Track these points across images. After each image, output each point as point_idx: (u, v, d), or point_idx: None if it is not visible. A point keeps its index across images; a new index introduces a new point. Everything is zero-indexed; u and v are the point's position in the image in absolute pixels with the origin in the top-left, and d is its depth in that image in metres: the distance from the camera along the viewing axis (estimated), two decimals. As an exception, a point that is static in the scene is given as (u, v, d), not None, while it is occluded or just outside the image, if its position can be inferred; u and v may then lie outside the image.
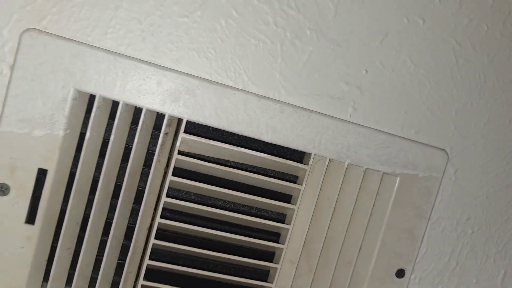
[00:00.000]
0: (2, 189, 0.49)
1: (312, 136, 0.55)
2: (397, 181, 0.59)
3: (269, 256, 0.59)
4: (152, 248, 0.54)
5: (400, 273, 0.61)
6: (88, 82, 0.49)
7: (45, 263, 0.53)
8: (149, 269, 0.56)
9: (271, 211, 0.59)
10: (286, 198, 0.58)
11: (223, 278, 0.56)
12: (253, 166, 0.57)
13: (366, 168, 0.58)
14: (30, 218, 0.50)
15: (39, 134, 0.49)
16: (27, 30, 0.47)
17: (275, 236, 0.59)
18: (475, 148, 0.61)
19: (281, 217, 0.59)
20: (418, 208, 0.60)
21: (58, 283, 0.52)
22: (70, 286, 0.52)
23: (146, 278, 0.54)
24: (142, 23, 0.50)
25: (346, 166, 0.57)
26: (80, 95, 0.49)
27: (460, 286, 0.64)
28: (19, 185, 0.49)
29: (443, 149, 0.60)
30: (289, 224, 0.56)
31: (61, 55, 0.48)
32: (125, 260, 0.53)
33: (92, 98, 0.50)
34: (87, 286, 0.54)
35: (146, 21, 0.50)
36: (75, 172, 0.50)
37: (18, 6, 0.47)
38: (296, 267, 0.57)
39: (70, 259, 0.53)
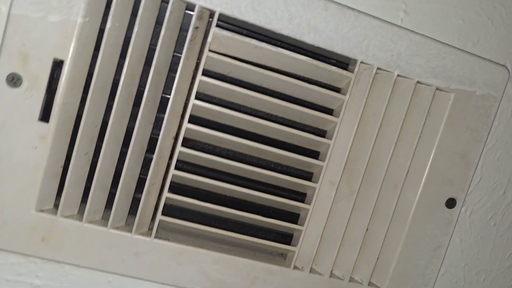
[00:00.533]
0: (14, 80, 0.44)
1: (358, 40, 0.49)
2: (452, 98, 0.52)
3: (307, 176, 0.53)
4: (178, 157, 0.48)
5: (451, 203, 0.54)
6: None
7: (60, 170, 0.48)
8: (174, 185, 0.51)
9: (310, 126, 0.52)
10: (328, 111, 0.52)
11: (257, 196, 0.50)
12: (292, 73, 0.51)
13: (417, 81, 0.51)
14: (45, 115, 0.45)
15: (55, 19, 0.44)
16: None
17: (314, 155, 0.53)
18: (540, 66, 0.54)
19: (321, 133, 0.53)
20: (474, 131, 0.53)
21: (74, 193, 0.47)
22: (87, 199, 0.47)
23: (171, 191, 0.49)
24: None
25: (395, 77, 0.50)
26: (101, -23, 0.44)
27: (516, 223, 0.57)
28: (32, 76, 0.44)
29: (503, 65, 0.53)
30: (330, 139, 0.50)
31: None
32: (147, 175, 0.48)
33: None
34: (105, 201, 0.49)
35: None
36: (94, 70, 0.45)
37: None
38: (337, 189, 0.51)
39: (88, 167, 0.48)
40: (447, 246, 0.55)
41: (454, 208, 0.54)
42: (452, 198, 0.54)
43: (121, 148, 0.49)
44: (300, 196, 0.54)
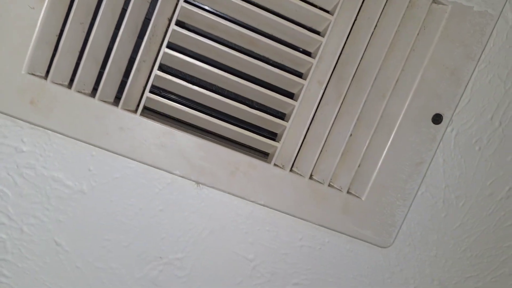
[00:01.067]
0: None
1: None
2: (448, 10, 0.52)
3: (297, 74, 0.54)
4: (170, 40, 0.49)
5: (437, 119, 0.54)
6: None
7: (55, 38, 0.49)
8: (165, 68, 0.51)
9: (305, 26, 0.53)
10: (325, 11, 0.52)
11: (247, 87, 0.51)
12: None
13: (415, -11, 0.51)
14: (44, -25, 0.46)
15: None
16: None
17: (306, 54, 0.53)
18: (540, -8, 0.54)
19: (315, 32, 0.53)
20: (467, 47, 0.54)
21: (66, 62, 0.48)
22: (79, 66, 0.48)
23: (161, 69, 0.49)
24: None
25: (393, -19, 0.50)
26: None
27: (500, 149, 0.57)
28: None
29: (504, -15, 0.53)
30: (323, 37, 0.51)
31: None
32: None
33: None
34: (96, 75, 0.50)
35: None
36: None
37: None
38: (324, 89, 0.52)
39: (83, 38, 0.49)
40: (429, 163, 0.55)
41: (440, 125, 0.55)
42: (439, 114, 0.54)
43: (117, 25, 0.49)
44: (290, 95, 0.54)
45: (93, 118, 0.49)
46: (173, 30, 0.48)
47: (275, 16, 0.49)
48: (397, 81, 0.53)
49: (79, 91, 0.48)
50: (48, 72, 0.48)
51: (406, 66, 0.53)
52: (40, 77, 0.48)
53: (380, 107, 0.53)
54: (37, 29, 0.46)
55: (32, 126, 0.49)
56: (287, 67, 0.54)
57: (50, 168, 0.50)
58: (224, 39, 0.53)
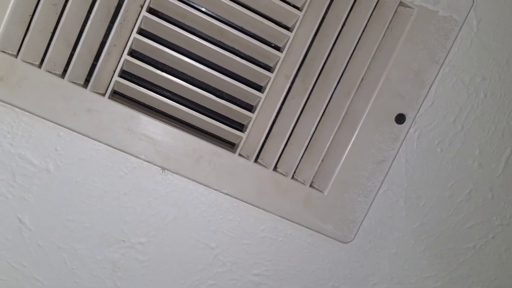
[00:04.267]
0: None
1: None
2: (414, 14, 0.54)
3: (266, 68, 0.55)
4: (142, 26, 0.50)
5: (400, 118, 0.56)
6: None
7: (28, 18, 0.50)
8: (136, 55, 0.53)
9: (275, 20, 0.54)
10: (295, 7, 0.53)
11: (216, 77, 0.52)
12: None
13: (383, -9, 0.53)
14: (19, -45, 0.47)
15: None
16: None
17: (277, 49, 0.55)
18: (505, 2, 0.56)
19: (284, 27, 0.54)
20: (432, 50, 0.55)
21: (38, 42, 0.49)
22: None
23: (132, 55, 0.51)
24: None
25: (362, -18, 0.52)
26: None
27: (461, 152, 0.59)
28: None
29: (469, -8, 0.55)
30: (291, 31, 0.52)
31: None
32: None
33: None
34: (67, 57, 0.51)
35: None
36: None
37: None
38: (291, 84, 0.53)
39: (55, 19, 0.50)
40: (391, 161, 0.56)
41: (403, 125, 0.56)
42: (402, 114, 0.56)
43: (90, 8, 0.50)
44: (258, 87, 0.56)
45: (61, 98, 0.50)
46: (144, 17, 0.49)
47: (245, 9, 0.50)
48: (362, 79, 0.55)
49: (49, 71, 0.49)
50: (19, 50, 0.49)
51: (371, 65, 0.55)
52: (11, 55, 0.49)
53: (345, 104, 0.55)
54: (9, 8, 0.47)
55: (0, 103, 0.50)
56: (256, 60, 0.55)
57: (17, 145, 0.51)
58: (196, 29, 0.54)
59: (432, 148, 0.59)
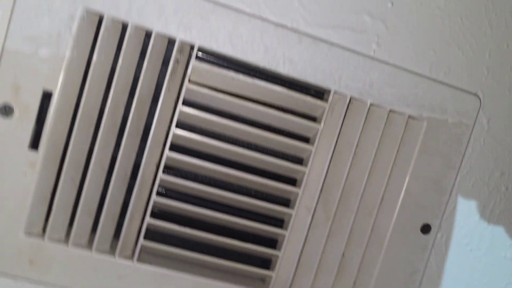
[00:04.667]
0: (6, 110, 0.47)
1: (331, 70, 0.52)
2: (424, 126, 0.54)
3: (285, 203, 0.55)
4: (160, 184, 0.50)
5: (426, 229, 0.56)
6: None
7: (48, 195, 0.50)
8: (158, 211, 0.53)
9: (288, 154, 0.55)
10: (305, 140, 0.54)
11: (237, 222, 0.52)
12: (268, 103, 0.53)
13: (390, 109, 0.53)
14: (34, 143, 0.48)
15: (45, 53, 0.47)
16: None
17: (291, 182, 0.55)
18: (511, 95, 0.56)
19: (298, 161, 0.55)
20: (447, 157, 0.55)
21: (61, 218, 0.50)
22: (73, 222, 0.49)
23: (155, 216, 0.51)
24: None
25: (368, 105, 0.53)
26: (88, 15, 0.47)
27: (493, 248, 0.58)
28: (23, 107, 0.47)
29: (475, 94, 0.55)
30: (306, 167, 0.53)
31: (70, -31, 0.46)
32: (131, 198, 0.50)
33: (101, 20, 0.48)
34: (91, 225, 0.52)
35: None
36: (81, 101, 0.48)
37: None
38: (312, 215, 0.53)
39: (75, 192, 0.51)
40: (423, 271, 0.56)
41: (429, 234, 0.56)
42: (427, 224, 0.56)
43: (107, 175, 0.51)
44: (279, 222, 0.56)
45: (91, 271, 0.50)
46: (161, 179, 0.50)
47: (258, 154, 0.51)
48: (382, 197, 0.55)
49: (75, 245, 0.50)
50: (44, 229, 0.50)
51: (389, 181, 0.55)
52: (38, 235, 0.49)
53: (369, 224, 0.55)
54: (31, 193, 0.48)
55: (34, 282, 0.50)
56: (276, 195, 0.55)
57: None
58: (211, 181, 0.54)
59: (462, 248, 0.58)
